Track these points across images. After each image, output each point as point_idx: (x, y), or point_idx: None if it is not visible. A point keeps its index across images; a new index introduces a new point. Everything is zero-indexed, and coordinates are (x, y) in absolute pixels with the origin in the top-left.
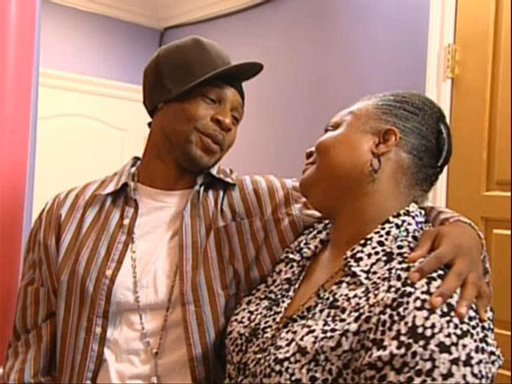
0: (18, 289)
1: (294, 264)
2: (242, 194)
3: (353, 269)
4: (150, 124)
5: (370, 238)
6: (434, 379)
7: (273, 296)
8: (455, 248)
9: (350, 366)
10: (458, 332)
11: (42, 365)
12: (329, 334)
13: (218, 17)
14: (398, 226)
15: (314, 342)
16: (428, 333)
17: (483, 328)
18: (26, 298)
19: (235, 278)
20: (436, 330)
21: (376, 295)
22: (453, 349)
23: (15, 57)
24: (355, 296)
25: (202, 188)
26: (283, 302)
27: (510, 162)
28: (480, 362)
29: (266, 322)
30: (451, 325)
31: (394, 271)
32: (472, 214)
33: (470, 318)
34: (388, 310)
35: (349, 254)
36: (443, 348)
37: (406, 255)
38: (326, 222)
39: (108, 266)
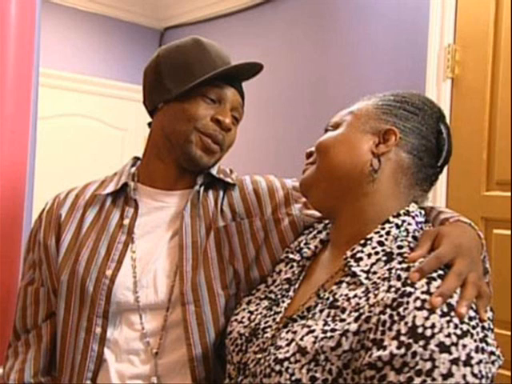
0: (18, 289)
1: (294, 264)
2: (242, 193)
3: (353, 269)
4: (149, 124)
5: (370, 238)
6: (434, 379)
7: (273, 296)
8: (455, 248)
9: (350, 366)
10: (458, 332)
11: (42, 365)
12: (329, 334)
13: (218, 17)
14: (398, 226)
15: (314, 342)
16: (428, 333)
17: (483, 328)
18: (26, 298)
19: (235, 278)
20: (436, 330)
21: (376, 295)
22: (453, 349)
23: (15, 57)
24: (355, 296)
25: (202, 188)
26: (283, 301)
27: (510, 162)
28: (480, 361)
29: (266, 322)
30: (451, 325)
31: (394, 271)
32: (472, 214)
33: (470, 318)
34: (388, 310)
35: (349, 253)
36: (443, 348)
37: (406, 255)
38: (326, 221)
39: (108, 266)
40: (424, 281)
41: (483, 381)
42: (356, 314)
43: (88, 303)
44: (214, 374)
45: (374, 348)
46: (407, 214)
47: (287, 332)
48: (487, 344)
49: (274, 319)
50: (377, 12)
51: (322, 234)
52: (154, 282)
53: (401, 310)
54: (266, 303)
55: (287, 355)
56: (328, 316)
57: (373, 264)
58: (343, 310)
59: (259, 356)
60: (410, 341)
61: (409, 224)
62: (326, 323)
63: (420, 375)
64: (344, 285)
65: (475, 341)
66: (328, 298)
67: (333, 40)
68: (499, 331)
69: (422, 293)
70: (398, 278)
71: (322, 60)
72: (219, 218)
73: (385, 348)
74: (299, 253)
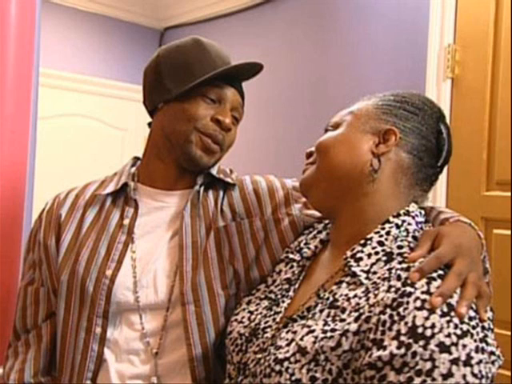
0: (18, 289)
1: (294, 264)
2: (242, 193)
3: (353, 269)
4: (150, 124)
5: (370, 238)
6: (434, 379)
7: (273, 296)
8: (455, 248)
9: (350, 366)
10: (458, 332)
11: (42, 365)
12: (329, 334)
13: (218, 17)
14: (398, 226)
15: (314, 342)
16: (428, 333)
17: (483, 328)
18: (26, 298)
19: (235, 278)
20: (436, 330)
21: (376, 295)
22: (453, 349)
23: (15, 57)
24: (355, 296)
25: (202, 188)
26: (283, 301)
27: (510, 162)
28: (480, 361)
29: (266, 322)
30: (451, 325)
31: (394, 271)
32: (472, 214)
33: (470, 318)
34: (388, 310)
35: (349, 253)
36: (443, 348)
37: (406, 255)
38: (326, 221)
39: (108, 266)
40: (424, 281)
41: (483, 381)
42: (356, 314)
43: (88, 303)
44: (214, 374)
45: (374, 348)
46: (407, 214)
47: (287, 332)
48: (487, 344)
49: (274, 319)
50: (377, 12)
51: (321, 234)
52: (154, 282)
53: (401, 309)
54: (266, 303)
55: (287, 355)
56: (328, 316)
57: (373, 264)
58: (343, 310)
59: (259, 356)
60: (410, 341)
61: (409, 224)
62: (326, 323)
63: (420, 375)
64: (344, 285)
65: (475, 341)
66: (328, 298)
67: (333, 40)
68: (499, 331)
69: (422, 293)
70: (398, 277)
71: (322, 60)
72: (219, 218)
73: (385, 348)
74: (299, 253)
